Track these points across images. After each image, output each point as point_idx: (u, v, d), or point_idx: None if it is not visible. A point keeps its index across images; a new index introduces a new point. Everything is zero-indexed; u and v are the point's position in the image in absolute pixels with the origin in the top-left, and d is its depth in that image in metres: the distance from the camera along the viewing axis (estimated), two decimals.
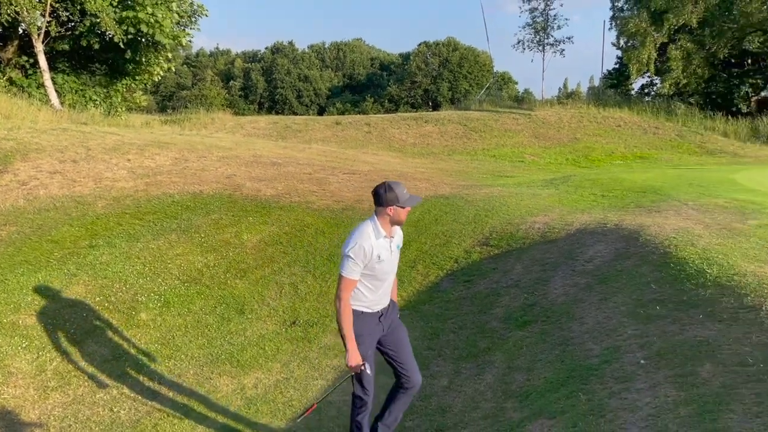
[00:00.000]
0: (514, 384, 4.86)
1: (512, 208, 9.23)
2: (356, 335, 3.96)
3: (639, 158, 20.79)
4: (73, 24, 19.01)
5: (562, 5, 49.43)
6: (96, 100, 20.18)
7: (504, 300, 6.46)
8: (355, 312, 4.00)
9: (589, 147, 22.13)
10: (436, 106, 55.81)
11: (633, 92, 32.95)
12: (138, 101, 23.05)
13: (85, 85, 20.43)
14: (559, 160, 20.41)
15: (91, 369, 6.14)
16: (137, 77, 21.58)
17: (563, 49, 32.29)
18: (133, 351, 6.47)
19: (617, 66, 33.80)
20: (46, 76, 18.34)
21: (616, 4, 29.29)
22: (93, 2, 17.68)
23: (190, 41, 22.34)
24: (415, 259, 8.07)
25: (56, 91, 18.81)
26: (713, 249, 5.74)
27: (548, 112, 26.38)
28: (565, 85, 71.62)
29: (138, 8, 18.28)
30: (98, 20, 17.89)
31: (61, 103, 18.64)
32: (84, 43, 18.73)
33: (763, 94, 29.25)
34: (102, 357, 6.32)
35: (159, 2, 18.91)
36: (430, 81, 65.01)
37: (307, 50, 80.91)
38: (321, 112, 65.64)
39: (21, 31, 19.03)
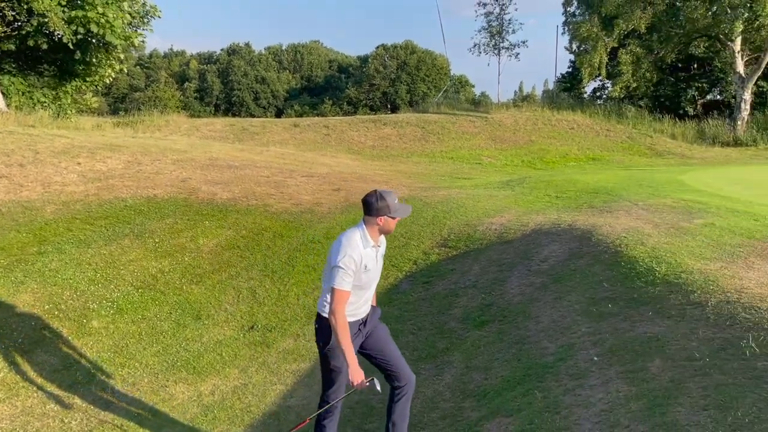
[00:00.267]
0: (472, 383, 4.91)
1: (470, 209, 9.33)
2: (334, 346, 3.87)
3: (592, 160, 21.29)
4: (19, 24, 18.38)
5: (516, 10, 50.68)
6: (44, 102, 19.55)
7: (462, 300, 6.52)
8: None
9: (543, 149, 22.55)
10: (394, 109, 56.03)
11: (586, 95, 33.73)
12: (89, 103, 22.42)
13: (32, 87, 19.76)
14: (515, 162, 20.74)
15: (40, 379, 5.95)
16: (88, 78, 20.98)
17: (518, 53, 33.00)
18: (84, 360, 6.30)
19: (570, 70, 34.53)
20: None
21: (568, 9, 29.93)
22: (41, 2, 17.12)
23: (142, 42, 21.86)
24: None
25: (2, 92, 18.16)
26: (662, 248, 5.91)
27: (504, 115, 26.77)
28: (520, 89, 72.86)
29: (88, 8, 17.77)
30: (46, 20, 17.34)
31: (7, 105, 17.99)
32: (31, 43, 18.11)
33: (708, 97, 30.33)
34: (52, 367, 6.13)
35: (110, 2, 18.43)
36: (388, 84, 65.26)
37: (264, 52, 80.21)
38: (279, 114, 65.12)
39: None
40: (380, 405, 5.10)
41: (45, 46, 18.42)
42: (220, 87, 73.65)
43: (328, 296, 3.88)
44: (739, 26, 23.37)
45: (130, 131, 19.51)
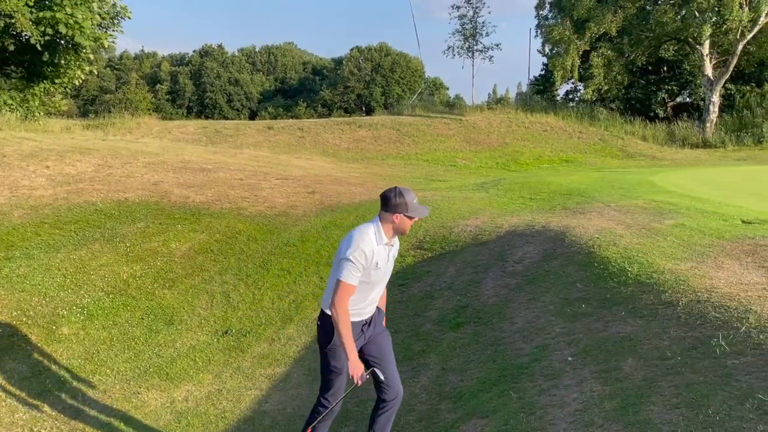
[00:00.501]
0: (448, 385, 4.91)
1: (445, 211, 9.36)
2: (336, 345, 3.74)
3: (565, 162, 21.54)
4: None
5: (490, 12, 51.16)
6: (11, 104, 19.13)
7: (438, 302, 6.53)
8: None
9: (517, 151, 22.75)
10: (369, 111, 56.02)
11: (558, 98, 34.12)
12: (57, 105, 22.02)
13: None
14: (490, 164, 20.89)
15: (9, 387, 5.81)
16: (56, 80, 20.59)
17: (492, 56, 33.43)
18: (54, 367, 6.17)
19: (543, 72, 34.90)
20: None
21: (541, 12, 30.29)
22: (7, 2, 16.75)
23: (112, 43, 21.53)
24: None
25: None
26: (634, 248, 5.99)
27: (479, 118, 26.95)
28: (494, 91, 73.18)
29: (56, 8, 17.44)
30: (13, 20, 16.97)
31: None
32: None
33: (678, 99, 30.91)
34: (20, 374, 5.99)
35: (79, 3, 18.11)
36: (363, 86, 65.21)
37: (237, 54, 79.52)
38: (252, 116, 64.61)
39: None
40: (356, 409, 5.08)
41: (12, 48, 18.04)
42: (192, 89, 72.83)
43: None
44: (707, 30, 23.88)
45: (100, 134, 19.19)
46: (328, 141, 23.27)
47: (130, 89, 67.98)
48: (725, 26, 23.95)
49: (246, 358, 6.37)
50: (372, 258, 3.69)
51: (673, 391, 3.48)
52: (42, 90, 20.45)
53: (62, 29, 17.59)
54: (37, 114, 20.03)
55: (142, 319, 7.04)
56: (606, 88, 27.61)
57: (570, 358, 4.39)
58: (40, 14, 17.37)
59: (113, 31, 21.21)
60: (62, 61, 19.43)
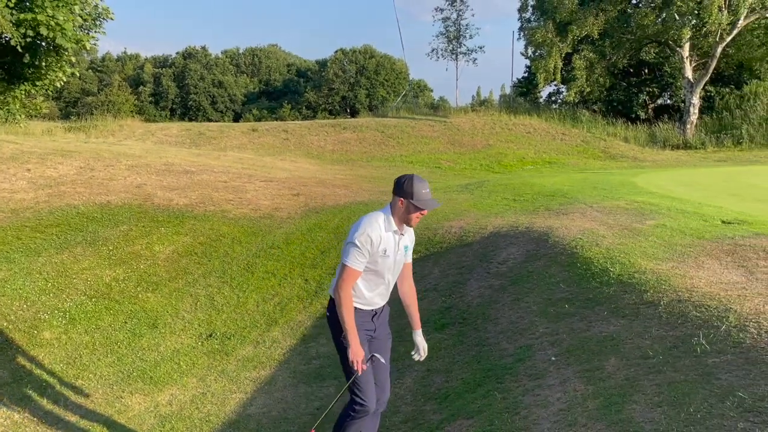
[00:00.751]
0: (433, 386, 4.93)
1: (429, 213, 9.37)
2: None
3: (548, 163, 21.68)
4: None
5: (473, 15, 51.45)
6: None
7: (423, 304, 6.53)
8: None
9: (501, 153, 22.87)
10: (354, 113, 55.95)
11: (541, 100, 34.38)
12: (39, 108, 21.78)
13: None
14: (474, 166, 20.97)
15: None
16: (38, 82, 20.34)
17: (475, 58, 33.54)
18: (36, 372, 6.09)
19: (526, 75, 35.16)
20: None
21: (524, 15, 30.50)
22: None
23: (95, 45, 21.31)
24: (334, 266, 8.04)
25: None
26: (616, 249, 6.05)
27: (462, 119, 27.06)
28: (478, 93, 73.35)
29: (37, 10, 17.23)
30: None
31: None
32: None
33: (659, 101, 31.26)
34: (1, 380, 5.91)
35: (60, 5, 17.92)
36: (347, 88, 65.13)
37: (220, 55, 79.09)
38: (237, 118, 64.29)
39: None
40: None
41: None
42: (175, 91, 72.30)
43: None
44: (687, 33, 24.19)
45: (82, 136, 19.02)
46: (313, 143, 23.24)
47: (113, 91, 67.29)
48: (705, 29, 24.27)
49: (231, 361, 6.34)
50: (379, 244, 3.59)
51: (655, 390, 3.52)
52: (23, 92, 20.21)
53: (43, 31, 17.38)
54: (18, 116, 19.81)
55: (125, 322, 6.99)
56: (588, 90, 27.86)
57: (554, 358, 4.43)
58: (21, 16, 17.15)
59: (95, 32, 21.00)
60: (43, 63, 19.20)
